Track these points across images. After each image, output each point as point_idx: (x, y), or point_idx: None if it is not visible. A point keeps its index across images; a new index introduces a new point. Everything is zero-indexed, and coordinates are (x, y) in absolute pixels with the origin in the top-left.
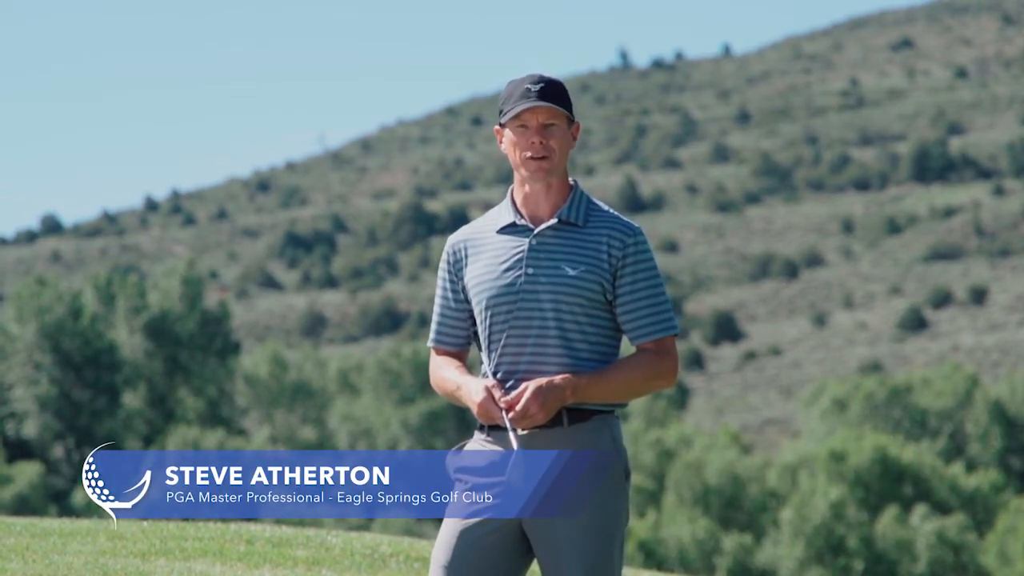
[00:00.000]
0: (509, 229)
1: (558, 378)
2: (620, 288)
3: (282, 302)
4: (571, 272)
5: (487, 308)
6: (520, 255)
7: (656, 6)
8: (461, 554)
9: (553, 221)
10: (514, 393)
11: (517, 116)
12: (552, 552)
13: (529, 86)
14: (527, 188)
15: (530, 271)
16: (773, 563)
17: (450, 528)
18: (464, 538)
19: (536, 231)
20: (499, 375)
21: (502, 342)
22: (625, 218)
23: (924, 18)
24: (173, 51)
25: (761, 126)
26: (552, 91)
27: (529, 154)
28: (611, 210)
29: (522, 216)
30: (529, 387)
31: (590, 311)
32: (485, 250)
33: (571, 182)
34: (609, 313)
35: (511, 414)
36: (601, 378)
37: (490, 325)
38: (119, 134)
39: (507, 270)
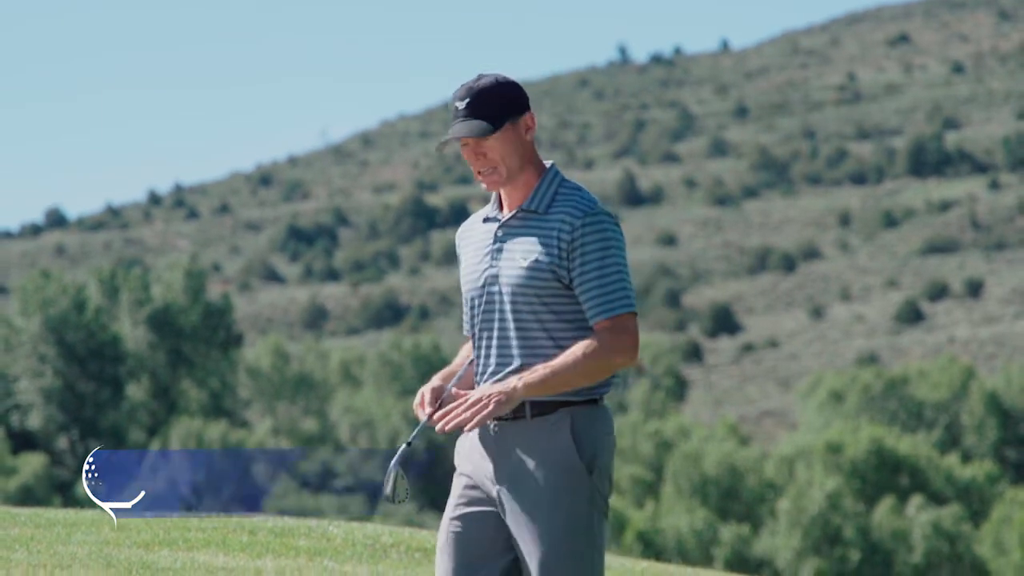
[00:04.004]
0: (488, 220)
1: (499, 387)
2: (573, 271)
3: (284, 295)
4: (523, 263)
5: (467, 302)
6: (488, 249)
7: (655, 2)
8: (452, 537)
9: (515, 211)
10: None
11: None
12: (519, 543)
13: (457, 103)
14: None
15: (493, 265)
16: (770, 553)
17: (446, 512)
18: (454, 522)
19: (501, 222)
20: (479, 367)
21: (476, 335)
22: (588, 199)
23: (921, 13)
24: (176, 47)
25: (759, 120)
26: (478, 103)
27: (475, 171)
28: (581, 192)
29: (501, 208)
30: (471, 396)
31: (548, 301)
32: (470, 243)
33: (546, 165)
34: (574, 300)
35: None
36: (550, 371)
37: (471, 319)
38: (123, 129)
39: (477, 264)
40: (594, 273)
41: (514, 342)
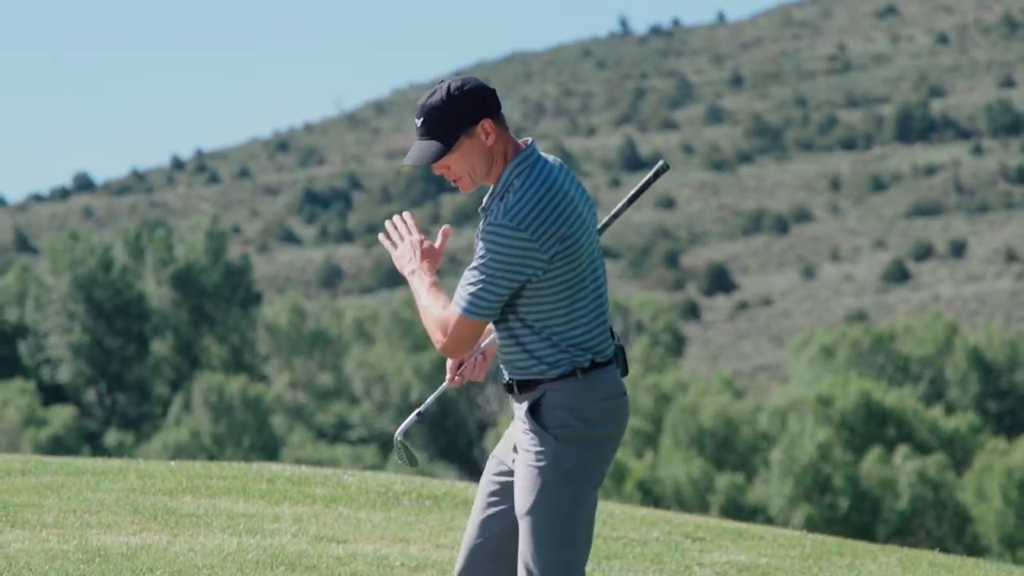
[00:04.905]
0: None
1: (409, 263)
2: None
3: (301, 255)
4: None
5: None
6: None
7: None
8: (482, 489)
9: (482, 208)
10: None
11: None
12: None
13: (416, 120)
14: None
15: None
16: (764, 501)
17: (487, 466)
18: (486, 476)
19: (482, 215)
20: None
21: None
22: (506, 208)
23: None
24: (197, 18)
25: (753, 89)
26: (431, 124)
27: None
28: (511, 196)
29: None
30: (407, 240)
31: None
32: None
33: (522, 146)
34: (526, 288)
35: None
36: (424, 294)
37: None
38: (147, 97)
39: None
40: (466, 270)
41: (499, 331)
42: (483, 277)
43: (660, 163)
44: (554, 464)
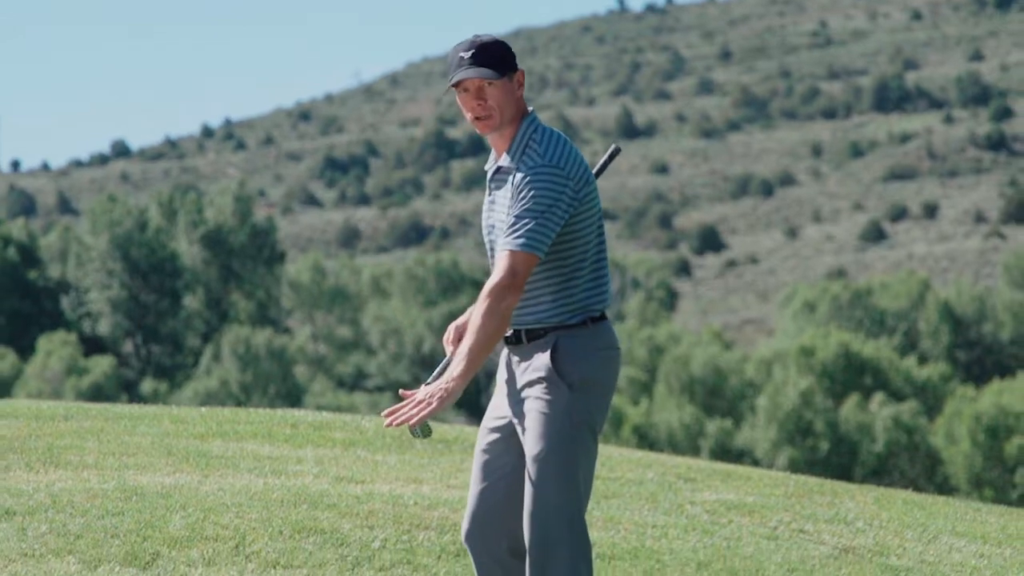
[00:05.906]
0: (488, 171)
1: (441, 385)
2: None
3: (322, 217)
4: (502, 216)
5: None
6: (487, 200)
7: None
8: (477, 460)
9: (497, 167)
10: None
11: (457, 83)
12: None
13: (463, 53)
14: (491, 136)
15: (489, 216)
16: (750, 444)
17: (484, 419)
18: (478, 448)
19: (491, 176)
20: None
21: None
22: (538, 155)
23: None
24: None
25: (741, 62)
26: (483, 55)
27: (472, 116)
28: (539, 146)
29: (494, 161)
30: (416, 395)
31: None
32: (486, 189)
33: (528, 109)
34: (559, 233)
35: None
36: (467, 352)
37: (489, 261)
38: (180, 70)
39: (484, 214)
40: (511, 216)
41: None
42: (535, 215)
43: (612, 147)
44: (566, 412)
